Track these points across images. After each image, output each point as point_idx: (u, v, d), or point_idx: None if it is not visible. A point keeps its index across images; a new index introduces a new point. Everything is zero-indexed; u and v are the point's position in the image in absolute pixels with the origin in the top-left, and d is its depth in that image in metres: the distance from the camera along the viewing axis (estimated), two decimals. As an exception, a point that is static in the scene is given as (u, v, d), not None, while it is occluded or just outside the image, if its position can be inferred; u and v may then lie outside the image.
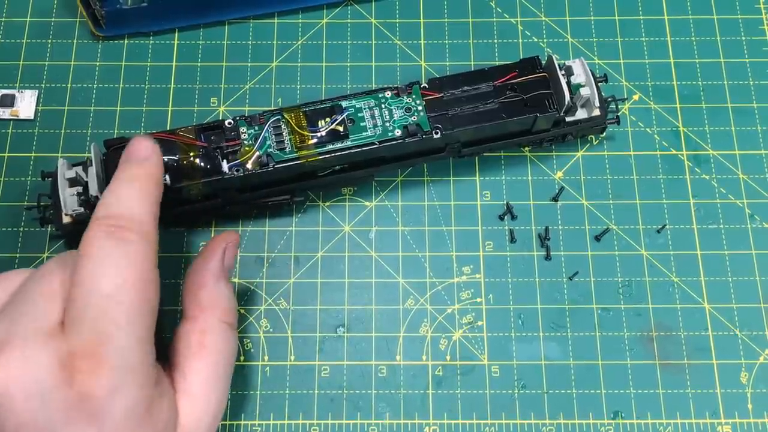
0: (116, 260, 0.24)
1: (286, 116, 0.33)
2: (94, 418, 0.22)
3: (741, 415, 0.34)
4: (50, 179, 0.34)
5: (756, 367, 0.35)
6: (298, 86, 0.39)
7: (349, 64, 0.40)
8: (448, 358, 0.35)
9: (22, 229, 0.36)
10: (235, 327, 0.29)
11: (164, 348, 0.28)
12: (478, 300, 0.36)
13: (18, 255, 0.36)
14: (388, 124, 0.34)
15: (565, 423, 0.34)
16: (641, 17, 0.41)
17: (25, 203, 0.37)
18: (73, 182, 0.33)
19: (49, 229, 0.36)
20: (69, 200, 0.33)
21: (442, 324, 0.35)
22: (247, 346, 0.35)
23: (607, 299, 0.36)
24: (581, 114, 0.36)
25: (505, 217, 0.37)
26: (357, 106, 0.34)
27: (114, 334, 0.22)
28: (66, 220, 0.33)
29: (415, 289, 0.36)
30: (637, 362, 0.35)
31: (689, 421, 0.34)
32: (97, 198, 0.32)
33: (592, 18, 0.41)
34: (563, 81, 0.34)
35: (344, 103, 0.34)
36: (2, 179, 0.37)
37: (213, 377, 0.27)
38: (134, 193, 0.26)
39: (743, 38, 0.41)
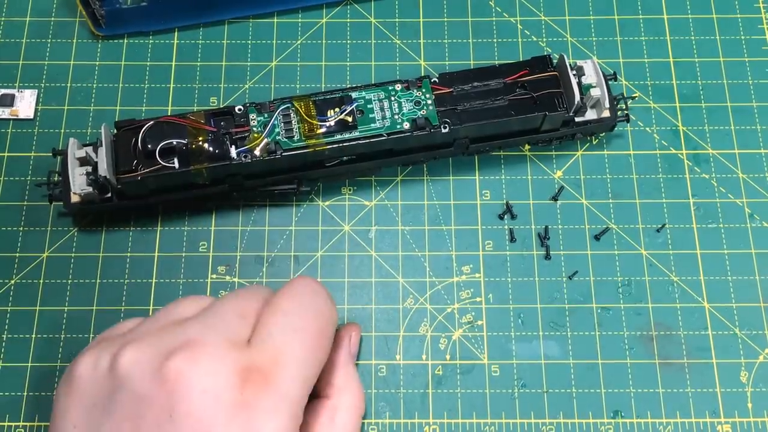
0: (308, 308, 0.27)
1: (295, 104, 0.34)
2: (248, 428, 0.24)
3: (741, 414, 0.34)
4: (61, 157, 0.35)
5: (756, 366, 0.35)
6: (298, 85, 0.39)
7: (348, 64, 0.40)
8: (447, 357, 0.35)
9: (21, 229, 0.36)
10: (363, 411, 0.31)
11: None
12: (478, 299, 0.36)
13: (18, 255, 0.36)
14: (396, 116, 0.34)
15: (564, 422, 0.34)
16: (641, 16, 0.41)
17: (25, 203, 0.37)
18: (83, 162, 0.34)
19: (51, 207, 0.37)
20: (78, 179, 0.33)
21: (441, 323, 0.35)
22: (246, 346, 0.35)
23: (607, 299, 0.36)
24: (591, 115, 0.36)
25: (505, 216, 0.37)
26: (367, 97, 0.34)
27: (290, 363, 0.25)
28: (74, 199, 0.34)
29: (414, 288, 0.36)
30: (637, 361, 0.35)
31: (689, 420, 0.34)
32: (105, 178, 0.32)
33: (591, 17, 0.41)
34: (574, 81, 0.34)
35: (354, 94, 0.34)
36: (2, 179, 0.37)
37: None
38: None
39: (742, 37, 0.41)
